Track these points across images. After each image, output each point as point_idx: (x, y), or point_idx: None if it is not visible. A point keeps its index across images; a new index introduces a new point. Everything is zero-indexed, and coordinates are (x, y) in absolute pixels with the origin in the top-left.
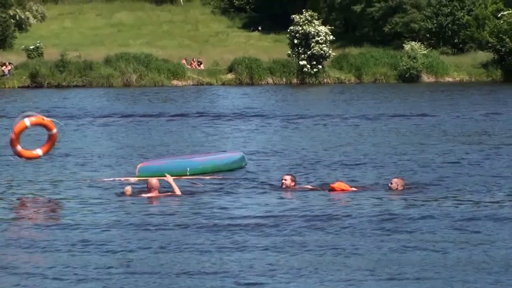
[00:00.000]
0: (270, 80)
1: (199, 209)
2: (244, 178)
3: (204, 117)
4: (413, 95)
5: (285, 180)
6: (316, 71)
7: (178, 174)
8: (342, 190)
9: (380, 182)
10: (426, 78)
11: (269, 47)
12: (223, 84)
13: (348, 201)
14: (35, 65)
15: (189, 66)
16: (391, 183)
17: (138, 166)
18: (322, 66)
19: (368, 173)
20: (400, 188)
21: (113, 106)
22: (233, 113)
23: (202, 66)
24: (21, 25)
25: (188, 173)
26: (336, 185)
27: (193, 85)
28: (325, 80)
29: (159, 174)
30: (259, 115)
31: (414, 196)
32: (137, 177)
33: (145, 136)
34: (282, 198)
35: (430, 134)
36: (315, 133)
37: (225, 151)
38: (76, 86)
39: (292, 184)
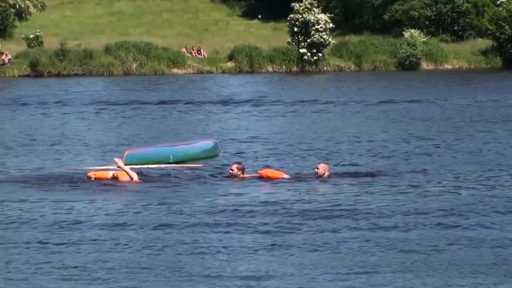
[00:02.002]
0: (270, 68)
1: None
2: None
3: (201, 104)
4: (410, 82)
5: (232, 170)
6: (316, 59)
7: (162, 161)
8: (269, 177)
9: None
10: (425, 65)
11: (268, 35)
12: (223, 72)
13: (269, 190)
14: (35, 54)
15: (189, 55)
16: (317, 168)
17: (125, 154)
18: (322, 54)
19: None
20: (326, 173)
21: (111, 95)
22: (229, 101)
23: (204, 54)
24: (21, 14)
25: (171, 161)
26: (263, 171)
27: (193, 73)
28: (325, 68)
29: (145, 161)
30: (256, 102)
31: (344, 183)
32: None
33: (138, 123)
34: (223, 188)
35: (407, 120)
36: (306, 120)
37: (197, 139)
38: (76, 74)
39: (239, 173)
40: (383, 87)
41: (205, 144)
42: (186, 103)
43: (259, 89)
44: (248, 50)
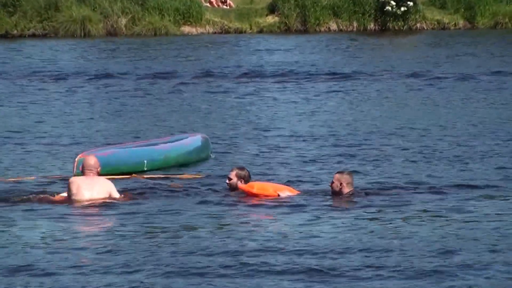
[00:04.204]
0: (333, 26)
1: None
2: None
3: (217, 79)
4: None
5: (230, 178)
6: (404, 11)
7: (132, 169)
8: (253, 194)
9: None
10: None
11: None
12: (260, 31)
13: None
14: None
15: (208, 4)
16: (332, 182)
17: (76, 158)
18: (414, 3)
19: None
20: (345, 188)
21: (83, 65)
22: (260, 75)
23: (231, 4)
24: None
25: (145, 168)
26: (246, 186)
27: (215, 33)
28: (418, 25)
29: (108, 169)
30: (304, 77)
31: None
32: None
33: (112, 109)
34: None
35: None
36: (375, 105)
37: (180, 134)
38: (34, 35)
39: (239, 182)
40: (506, 55)
41: (191, 141)
42: (194, 78)
43: (314, 57)
44: None
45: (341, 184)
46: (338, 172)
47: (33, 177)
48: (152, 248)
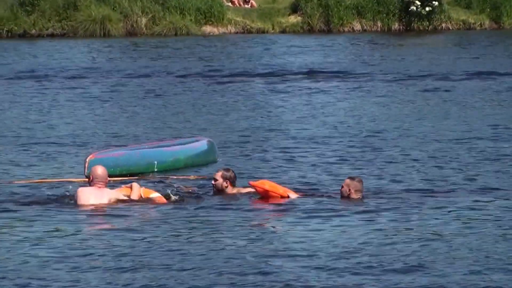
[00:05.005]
0: (357, 26)
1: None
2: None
3: (233, 80)
4: None
5: (215, 179)
6: (429, 11)
7: (143, 170)
8: (265, 190)
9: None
10: None
11: None
12: (283, 31)
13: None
14: None
15: (230, 4)
16: (342, 186)
17: (87, 159)
18: (440, 3)
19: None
20: (353, 194)
21: (103, 65)
22: (281, 75)
23: (253, 3)
24: None
25: (155, 169)
26: (258, 183)
27: (237, 32)
28: (443, 25)
29: (118, 170)
30: (324, 77)
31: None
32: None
33: (130, 110)
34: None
35: None
36: (397, 108)
37: (187, 137)
38: (52, 35)
39: (226, 184)
40: None
41: (199, 144)
42: (208, 78)
43: (336, 57)
44: None
45: (349, 190)
46: (349, 178)
47: (46, 180)
48: (161, 251)
